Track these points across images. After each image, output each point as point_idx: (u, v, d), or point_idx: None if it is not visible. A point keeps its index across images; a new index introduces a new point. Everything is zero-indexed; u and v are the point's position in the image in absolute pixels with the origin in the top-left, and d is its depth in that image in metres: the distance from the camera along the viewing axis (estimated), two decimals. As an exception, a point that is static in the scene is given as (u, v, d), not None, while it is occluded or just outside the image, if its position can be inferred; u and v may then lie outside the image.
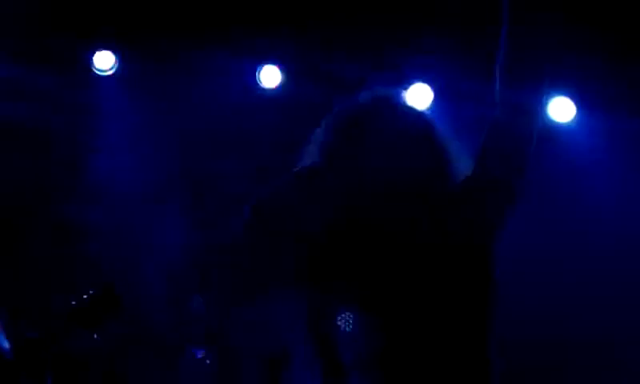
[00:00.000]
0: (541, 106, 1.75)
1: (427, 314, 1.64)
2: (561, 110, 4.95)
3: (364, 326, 1.67)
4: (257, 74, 4.83)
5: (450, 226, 1.71)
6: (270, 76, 4.83)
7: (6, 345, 2.20)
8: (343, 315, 1.71)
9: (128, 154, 5.12)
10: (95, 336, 2.30)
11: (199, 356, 4.29)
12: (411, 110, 1.82)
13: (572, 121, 5.01)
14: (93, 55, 4.62)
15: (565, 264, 4.99)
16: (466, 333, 1.69)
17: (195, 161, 5.24)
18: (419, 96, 4.82)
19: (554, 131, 4.83)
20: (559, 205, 5.02)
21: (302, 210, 1.68)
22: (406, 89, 4.72)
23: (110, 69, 4.67)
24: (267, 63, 4.80)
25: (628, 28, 4.34)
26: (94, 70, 4.66)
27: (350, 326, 1.70)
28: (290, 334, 5.08)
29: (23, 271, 4.78)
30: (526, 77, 1.69)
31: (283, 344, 5.02)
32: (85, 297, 2.34)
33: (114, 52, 4.64)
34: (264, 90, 4.88)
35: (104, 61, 4.64)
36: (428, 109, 4.79)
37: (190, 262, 4.99)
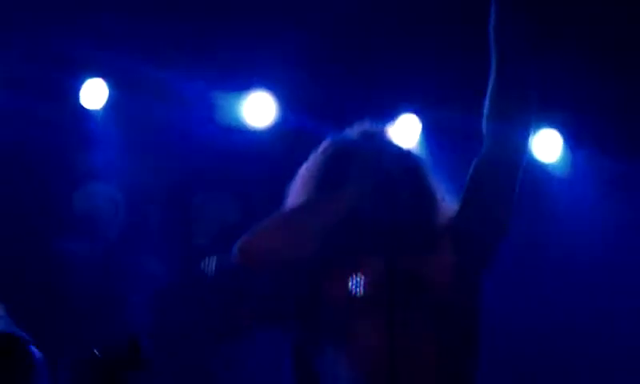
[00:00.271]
0: (527, 140, 1.77)
1: (410, 353, 1.62)
2: (548, 146, 4.97)
3: (347, 364, 1.65)
4: (244, 106, 4.83)
5: (436, 263, 1.70)
6: (261, 109, 4.83)
7: None
8: (327, 350, 1.69)
9: (114, 185, 5.12)
10: None
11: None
12: (397, 148, 1.83)
13: (559, 158, 5.03)
14: (81, 86, 4.61)
15: (551, 304, 4.97)
16: (451, 378, 1.67)
17: (184, 192, 5.23)
18: (407, 128, 4.83)
19: (540, 168, 4.85)
20: (546, 243, 5.02)
21: (288, 248, 1.66)
22: (394, 120, 4.75)
23: (99, 100, 4.66)
24: (258, 95, 4.81)
25: (619, 65, 4.39)
26: (81, 101, 4.65)
27: (333, 365, 1.68)
28: (278, 370, 5.05)
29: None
30: (513, 111, 1.72)
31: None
32: (108, 350, 2.18)
33: (103, 83, 4.63)
34: (253, 122, 4.87)
35: (92, 92, 4.63)
36: (417, 141, 4.82)
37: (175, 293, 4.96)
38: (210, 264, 1.72)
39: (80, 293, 4.91)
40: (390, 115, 4.76)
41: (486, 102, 1.73)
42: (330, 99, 4.59)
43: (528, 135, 1.76)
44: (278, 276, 1.68)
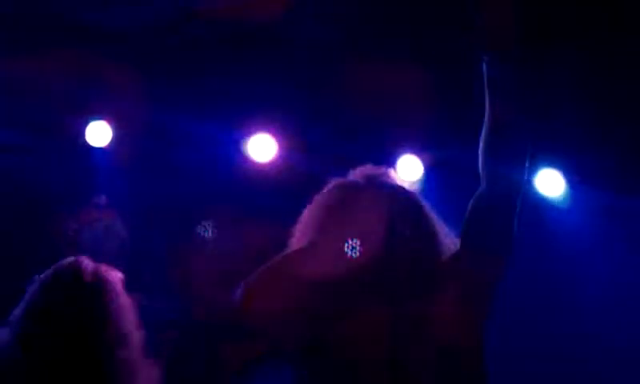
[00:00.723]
0: (522, 177, 1.78)
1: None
2: (550, 183, 4.99)
3: None
4: (247, 145, 4.87)
5: (437, 302, 1.71)
6: (262, 148, 4.87)
7: None
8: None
9: (119, 223, 5.15)
10: None
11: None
12: (399, 189, 1.84)
13: (561, 195, 5.05)
14: (85, 126, 4.66)
15: (554, 340, 4.96)
16: None
17: (187, 232, 5.26)
18: (409, 168, 4.87)
19: (542, 205, 4.87)
20: (548, 278, 5.01)
21: (294, 289, 1.68)
22: (395, 162, 4.79)
23: (103, 140, 4.71)
24: (259, 134, 4.85)
25: (618, 102, 4.42)
26: (86, 140, 4.69)
27: None
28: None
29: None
30: (506, 150, 1.75)
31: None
32: None
33: (107, 124, 4.69)
34: (255, 162, 4.91)
35: (97, 132, 4.68)
36: (419, 181, 4.84)
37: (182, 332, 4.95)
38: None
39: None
40: (392, 156, 4.81)
41: (480, 142, 1.75)
42: (330, 141, 4.62)
43: (523, 172, 1.77)
44: (279, 321, 1.68)
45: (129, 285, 5.24)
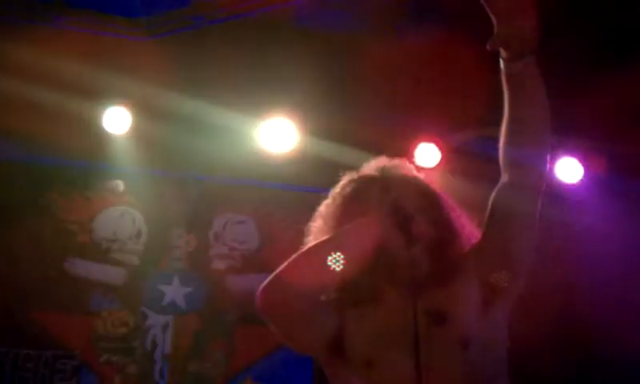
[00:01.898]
0: (544, 169, 1.76)
1: (437, 381, 1.61)
2: (568, 170, 4.96)
3: None
4: (266, 132, 4.85)
5: (458, 296, 1.71)
6: (280, 135, 4.85)
7: None
8: (351, 379, 1.69)
9: (136, 210, 5.18)
10: None
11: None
12: (416, 181, 1.83)
13: (579, 181, 5.01)
14: (104, 113, 4.67)
15: (572, 324, 4.94)
16: None
17: (202, 217, 5.28)
18: (427, 156, 4.84)
19: (561, 192, 4.84)
20: (566, 267, 4.98)
21: (309, 289, 1.66)
22: (413, 149, 4.76)
23: (121, 127, 4.71)
24: (277, 122, 4.83)
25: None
26: (104, 127, 4.70)
27: None
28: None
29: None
30: (528, 143, 1.72)
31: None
32: None
33: (126, 110, 4.69)
34: (274, 149, 4.89)
35: (115, 118, 4.69)
36: (436, 168, 4.83)
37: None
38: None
39: (99, 314, 4.95)
40: (409, 143, 4.79)
41: (501, 135, 1.73)
42: (348, 126, 4.61)
43: (544, 164, 1.76)
44: (303, 315, 1.67)
45: (144, 272, 5.29)
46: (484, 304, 1.73)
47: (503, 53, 1.63)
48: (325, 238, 1.73)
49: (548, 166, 1.77)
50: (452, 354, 1.65)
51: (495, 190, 1.76)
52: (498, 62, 1.68)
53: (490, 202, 1.76)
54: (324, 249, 1.70)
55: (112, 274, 5.06)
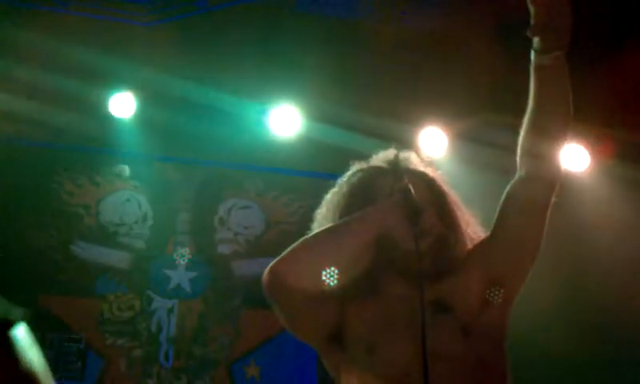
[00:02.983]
0: (560, 160, 1.77)
1: (440, 366, 1.62)
2: (575, 159, 4.94)
3: (373, 378, 1.66)
4: (271, 118, 4.85)
5: (461, 288, 1.71)
6: (285, 121, 4.84)
7: None
8: (352, 364, 1.70)
9: (141, 194, 5.19)
10: None
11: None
12: (424, 174, 1.83)
13: (586, 170, 4.99)
14: (110, 98, 4.67)
15: (579, 315, 4.94)
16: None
17: (208, 202, 5.29)
18: (432, 142, 4.83)
19: (568, 181, 4.82)
20: (574, 257, 4.98)
21: (318, 273, 1.67)
22: (419, 134, 4.74)
23: (127, 111, 4.72)
24: (282, 107, 4.82)
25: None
26: (110, 112, 4.70)
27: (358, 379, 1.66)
28: (301, 377, 5.09)
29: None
30: (550, 138, 1.73)
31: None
32: None
33: (131, 95, 4.69)
34: (278, 135, 4.89)
35: (121, 103, 4.69)
36: (443, 154, 4.81)
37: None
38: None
39: (104, 297, 4.98)
40: (414, 129, 4.78)
41: (523, 130, 1.74)
42: (352, 111, 4.60)
43: (561, 155, 1.77)
44: (306, 303, 1.68)
45: (150, 256, 5.30)
46: (486, 298, 1.74)
47: (536, 44, 1.65)
48: (334, 223, 1.73)
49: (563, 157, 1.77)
50: (454, 341, 1.66)
51: (509, 185, 1.76)
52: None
53: (502, 198, 1.76)
54: (333, 234, 1.70)
55: (118, 258, 5.08)
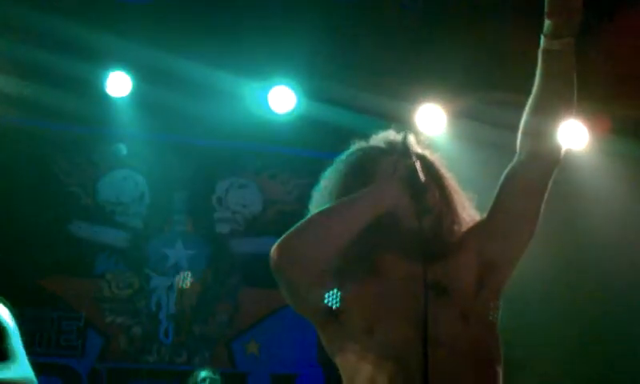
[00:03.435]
0: (560, 141, 1.78)
1: (440, 346, 1.63)
2: (574, 136, 4.93)
3: (371, 359, 1.67)
4: (268, 96, 4.83)
5: (459, 269, 1.73)
6: (282, 99, 4.83)
7: None
8: (350, 343, 1.71)
9: (139, 173, 5.18)
10: None
11: (204, 376, 4.30)
12: (423, 157, 1.83)
13: (585, 147, 4.99)
14: (106, 77, 4.65)
15: (578, 290, 4.96)
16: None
17: (205, 181, 5.29)
18: (432, 119, 4.82)
19: (567, 158, 4.80)
20: (572, 232, 4.99)
21: (324, 250, 1.68)
22: (417, 111, 4.73)
23: (123, 91, 4.69)
24: (279, 86, 4.80)
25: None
26: (107, 91, 4.68)
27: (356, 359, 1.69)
28: (300, 354, 5.12)
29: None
30: (553, 124, 1.74)
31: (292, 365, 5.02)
32: None
33: (127, 74, 4.67)
34: (275, 113, 4.87)
35: (117, 83, 4.67)
36: (441, 131, 4.81)
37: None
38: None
39: (103, 276, 4.99)
40: (413, 105, 4.76)
41: (525, 114, 1.74)
42: (350, 90, 4.58)
43: (563, 144, 1.78)
44: (309, 281, 1.68)
45: (148, 235, 5.30)
46: (480, 281, 1.75)
47: (547, 29, 1.68)
48: (341, 200, 1.73)
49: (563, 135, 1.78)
50: (454, 325, 1.67)
51: (508, 168, 1.77)
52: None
53: (501, 180, 1.77)
54: (339, 211, 1.71)
55: (116, 237, 5.09)
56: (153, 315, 4.99)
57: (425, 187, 1.72)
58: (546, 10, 1.66)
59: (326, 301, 1.72)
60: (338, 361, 1.74)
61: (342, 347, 1.73)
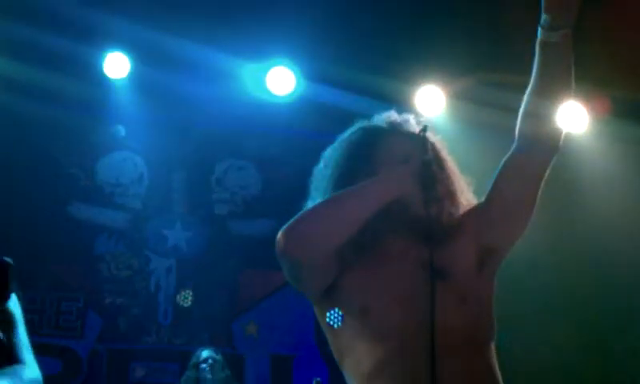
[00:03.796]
0: (559, 126, 1.79)
1: (440, 326, 1.64)
2: (573, 119, 4.92)
3: (368, 338, 1.69)
4: (267, 78, 4.81)
5: (457, 253, 1.74)
6: (281, 80, 4.81)
7: None
8: (347, 324, 1.72)
9: (137, 155, 5.18)
10: None
11: (206, 356, 4.31)
12: (424, 138, 1.84)
13: (585, 130, 4.98)
14: (104, 58, 4.63)
15: (578, 274, 4.97)
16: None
17: (204, 162, 5.28)
18: (431, 100, 4.81)
19: (566, 140, 4.78)
20: (571, 216, 4.99)
21: (331, 237, 1.69)
22: (416, 92, 4.72)
23: (121, 72, 4.67)
24: (278, 67, 4.78)
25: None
26: (105, 72, 4.66)
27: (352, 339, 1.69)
28: (299, 335, 5.14)
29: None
30: (551, 113, 1.75)
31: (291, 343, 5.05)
32: None
33: (125, 55, 4.65)
34: (274, 94, 4.86)
35: (115, 63, 4.65)
36: (440, 113, 4.80)
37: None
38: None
39: (102, 257, 5.00)
40: (413, 86, 4.75)
41: (523, 103, 1.74)
42: (349, 71, 4.56)
43: (562, 133, 1.80)
44: (313, 265, 1.70)
45: (147, 216, 5.31)
46: (478, 264, 1.77)
47: (545, 21, 1.69)
48: (350, 188, 1.74)
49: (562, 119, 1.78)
50: (453, 306, 1.69)
51: (507, 154, 1.78)
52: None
53: (500, 165, 1.78)
54: (349, 200, 1.71)
55: (115, 218, 5.10)
56: (152, 297, 5.01)
57: (435, 178, 1.73)
58: (543, 4, 1.67)
59: (327, 283, 1.74)
60: (332, 339, 1.76)
61: (338, 328, 1.74)
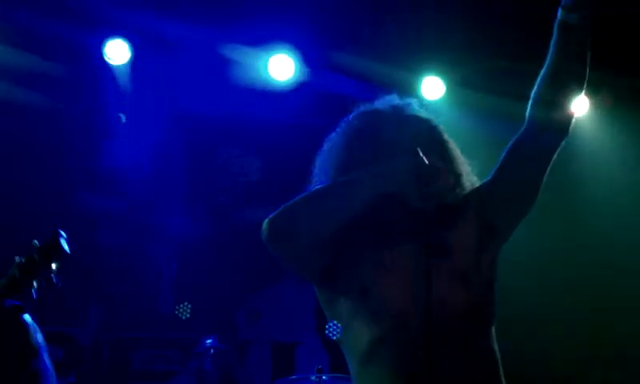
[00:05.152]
0: (572, 112, 1.78)
1: (439, 307, 1.64)
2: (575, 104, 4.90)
3: (367, 319, 1.69)
4: (268, 64, 4.80)
5: (460, 235, 1.75)
6: (282, 67, 4.80)
7: None
8: (346, 305, 1.73)
9: (139, 142, 5.18)
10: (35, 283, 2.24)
11: (209, 344, 4.33)
12: (426, 121, 1.83)
13: (585, 115, 4.98)
14: (104, 44, 4.62)
15: (577, 258, 4.98)
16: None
17: (206, 149, 5.28)
18: (431, 89, 4.81)
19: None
20: (574, 201, 4.99)
21: (321, 225, 1.69)
22: (418, 82, 4.72)
23: (122, 58, 4.67)
24: (279, 53, 4.77)
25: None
26: (105, 58, 4.65)
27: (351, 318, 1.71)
28: (300, 323, 5.16)
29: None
30: (564, 97, 1.75)
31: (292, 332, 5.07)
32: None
33: (126, 42, 4.64)
34: (276, 81, 4.85)
35: (116, 50, 4.64)
36: (440, 101, 4.79)
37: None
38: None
39: (104, 246, 5.01)
40: (416, 74, 4.75)
41: (536, 85, 1.74)
42: (352, 58, 4.56)
43: (572, 118, 1.79)
44: (305, 251, 1.70)
45: (149, 201, 5.31)
46: (480, 244, 1.77)
47: (566, 0, 1.69)
48: (340, 180, 1.74)
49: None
50: (454, 286, 1.69)
51: (517, 134, 1.77)
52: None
53: (508, 146, 1.78)
54: (337, 192, 1.71)
55: (116, 206, 5.10)
56: (154, 284, 5.03)
57: (433, 174, 1.71)
58: None
59: (318, 268, 1.74)
60: (332, 319, 1.77)
61: (336, 307, 1.75)
